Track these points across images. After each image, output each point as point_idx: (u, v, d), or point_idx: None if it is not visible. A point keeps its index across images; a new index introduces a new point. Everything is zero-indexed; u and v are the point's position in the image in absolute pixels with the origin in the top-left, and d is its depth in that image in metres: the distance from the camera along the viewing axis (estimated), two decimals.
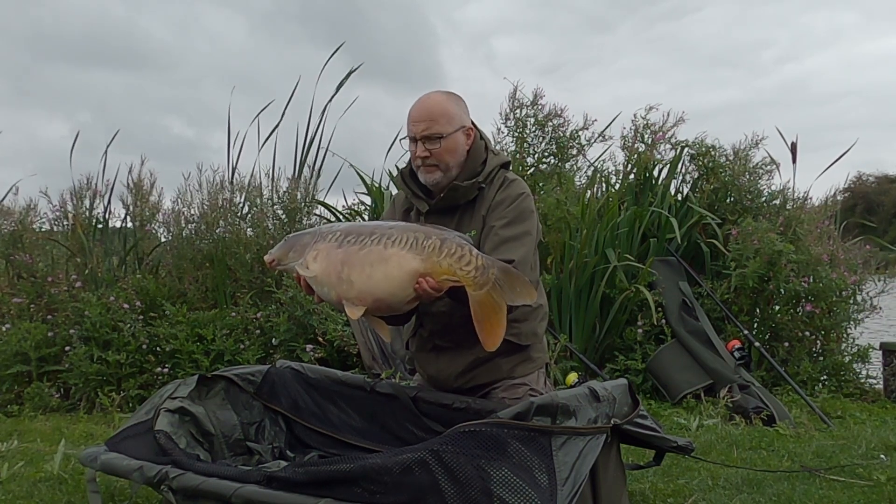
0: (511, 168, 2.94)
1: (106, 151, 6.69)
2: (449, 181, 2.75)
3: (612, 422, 2.30)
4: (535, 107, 6.41)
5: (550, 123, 6.40)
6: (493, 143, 6.31)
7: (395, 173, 6.55)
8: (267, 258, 2.64)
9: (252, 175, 6.62)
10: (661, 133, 6.51)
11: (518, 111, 6.44)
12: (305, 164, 6.98)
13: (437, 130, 2.69)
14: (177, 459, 2.36)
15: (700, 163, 6.60)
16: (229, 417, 2.97)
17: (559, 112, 6.41)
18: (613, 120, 6.72)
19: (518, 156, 6.38)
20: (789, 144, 6.29)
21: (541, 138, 6.44)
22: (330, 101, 7.16)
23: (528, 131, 6.42)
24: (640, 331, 5.46)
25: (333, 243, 2.45)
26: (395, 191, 6.36)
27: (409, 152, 2.82)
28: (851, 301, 5.79)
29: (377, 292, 2.37)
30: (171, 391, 2.83)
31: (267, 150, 8.03)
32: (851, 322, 5.79)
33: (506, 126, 6.47)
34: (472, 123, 2.84)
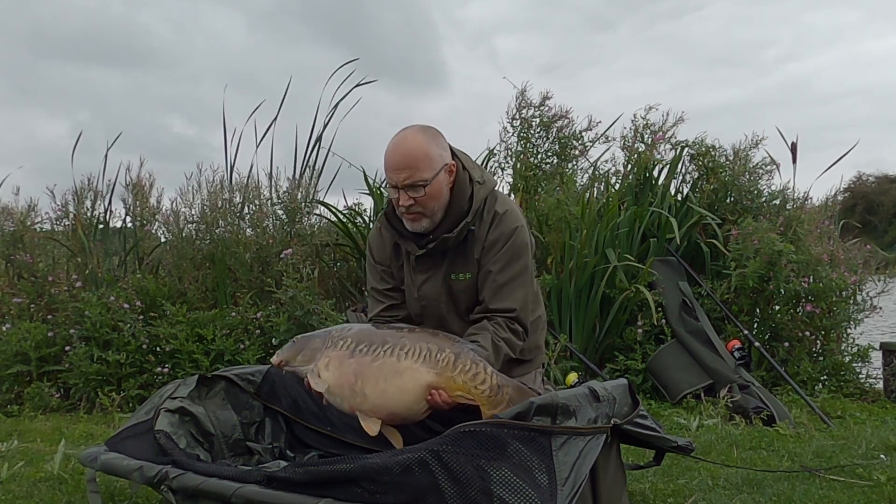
0: (501, 179, 2.90)
1: (106, 155, 6.69)
2: (435, 225, 2.64)
3: (612, 422, 2.30)
4: (541, 108, 6.43)
5: (555, 125, 6.42)
6: (498, 142, 6.32)
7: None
8: (274, 359, 2.57)
9: (251, 175, 6.63)
10: (660, 133, 6.52)
11: (524, 111, 6.45)
12: (307, 165, 6.97)
13: (420, 177, 2.53)
14: (177, 459, 2.36)
15: (700, 163, 6.60)
16: (229, 417, 2.97)
17: (565, 113, 6.44)
18: (615, 121, 6.73)
19: (522, 156, 6.39)
20: (789, 144, 6.29)
21: (545, 139, 6.45)
22: (335, 106, 7.14)
23: (532, 132, 6.43)
24: (640, 331, 5.45)
25: (345, 351, 2.40)
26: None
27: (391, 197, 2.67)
28: (851, 301, 5.79)
29: (391, 406, 2.34)
30: (171, 391, 2.83)
31: (264, 149, 8.00)
32: (851, 322, 5.79)
33: (511, 126, 6.49)
34: (453, 152, 2.69)
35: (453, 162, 2.63)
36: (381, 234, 2.84)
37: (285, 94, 7.12)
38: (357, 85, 7.14)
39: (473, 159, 2.81)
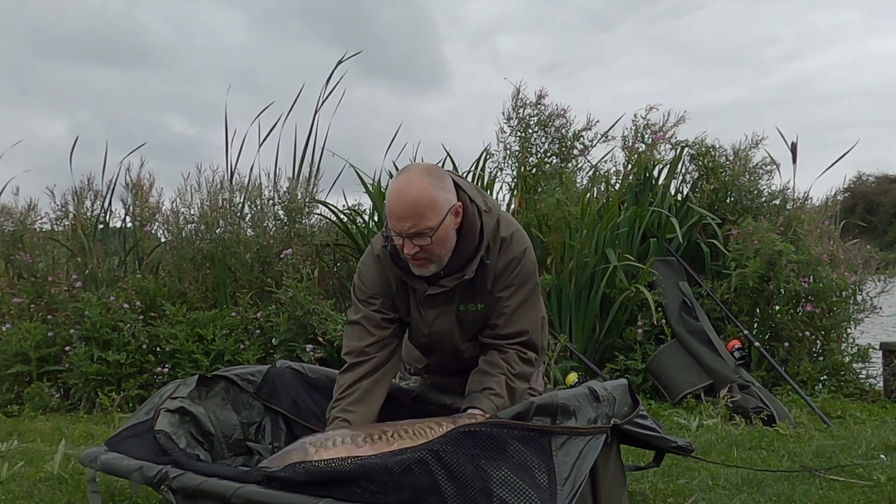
0: (500, 181, 2.86)
1: (106, 156, 6.70)
2: (442, 268, 2.55)
3: (611, 422, 2.30)
4: (538, 107, 6.42)
5: (553, 124, 6.41)
6: (495, 142, 6.31)
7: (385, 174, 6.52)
8: None
9: (251, 175, 6.62)
10: (661, 133, 6.52)
11: (521, 111, 6.45)
12: (305, 164, 6.96)
13: (426, 226, 2.39)
14: (177, 459, 2.36)
15: (700, 163, 6.60)
16: (229, 417, 2.97)
17: (562, 112, 6.43)
18: (616, 122, 6.72)
19: (521, 155, 6.39)
20: (789, 144, 6.29)
21: (543, 138, 6.44)
22: (325, 100, 7.11)
23: (530, 131, 6.43)
24: (640, 331, 5.46)
25: (349, 446, 2.30)
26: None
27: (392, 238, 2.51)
28: (851, 301, 5.79)
29: None
30: (171, 391, 2.83)
31: (267, 150, 7.99)
32: (851, 322, 5.79)
33: (508, 125, 6.48)
34: (456, 183, 2.54)
35: (459, 203, 2.50)
36: (379, 264, 2.71)
37: (295, 100, 7.09)
38: (338, 63, 7.08)
39: (475, 185, 2.76)
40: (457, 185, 2.54)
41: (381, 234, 2.64)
